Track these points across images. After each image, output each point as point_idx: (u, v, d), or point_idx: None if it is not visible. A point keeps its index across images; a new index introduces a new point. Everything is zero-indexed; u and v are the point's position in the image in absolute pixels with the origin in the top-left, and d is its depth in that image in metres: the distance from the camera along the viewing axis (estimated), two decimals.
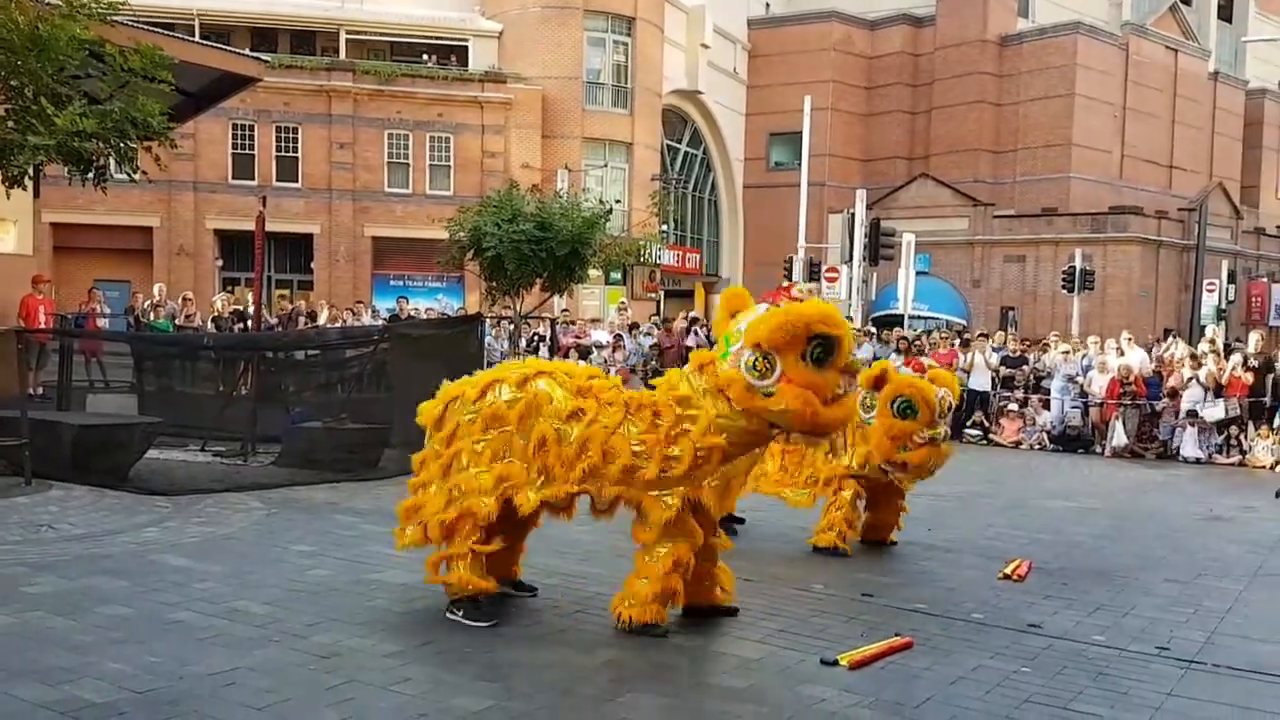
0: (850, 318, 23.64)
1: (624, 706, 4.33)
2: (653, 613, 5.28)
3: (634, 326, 20.95)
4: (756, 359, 4.87)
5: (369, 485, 10.07)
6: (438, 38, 32.00)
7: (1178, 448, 15.92)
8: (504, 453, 5.39)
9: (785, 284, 6.18)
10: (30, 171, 10.02)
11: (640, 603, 5.29)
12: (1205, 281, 35.50)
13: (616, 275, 30.58)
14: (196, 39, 21.67)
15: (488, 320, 15.76)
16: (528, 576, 6.14)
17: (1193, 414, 15.77)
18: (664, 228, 33.29)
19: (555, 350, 18.85)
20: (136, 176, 11.28)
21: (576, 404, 5.32)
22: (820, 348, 4.84)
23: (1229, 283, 36.03)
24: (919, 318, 29.06)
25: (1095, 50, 41.02)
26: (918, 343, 19.06)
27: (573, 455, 5.26)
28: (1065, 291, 31.38)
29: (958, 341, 19.37)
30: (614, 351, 19.36)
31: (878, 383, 7.12)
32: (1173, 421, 16.07)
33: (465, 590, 5.40)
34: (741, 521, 8.39)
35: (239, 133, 29.04)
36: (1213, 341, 18.66)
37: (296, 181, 29.34)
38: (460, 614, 5.44)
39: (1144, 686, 4.90)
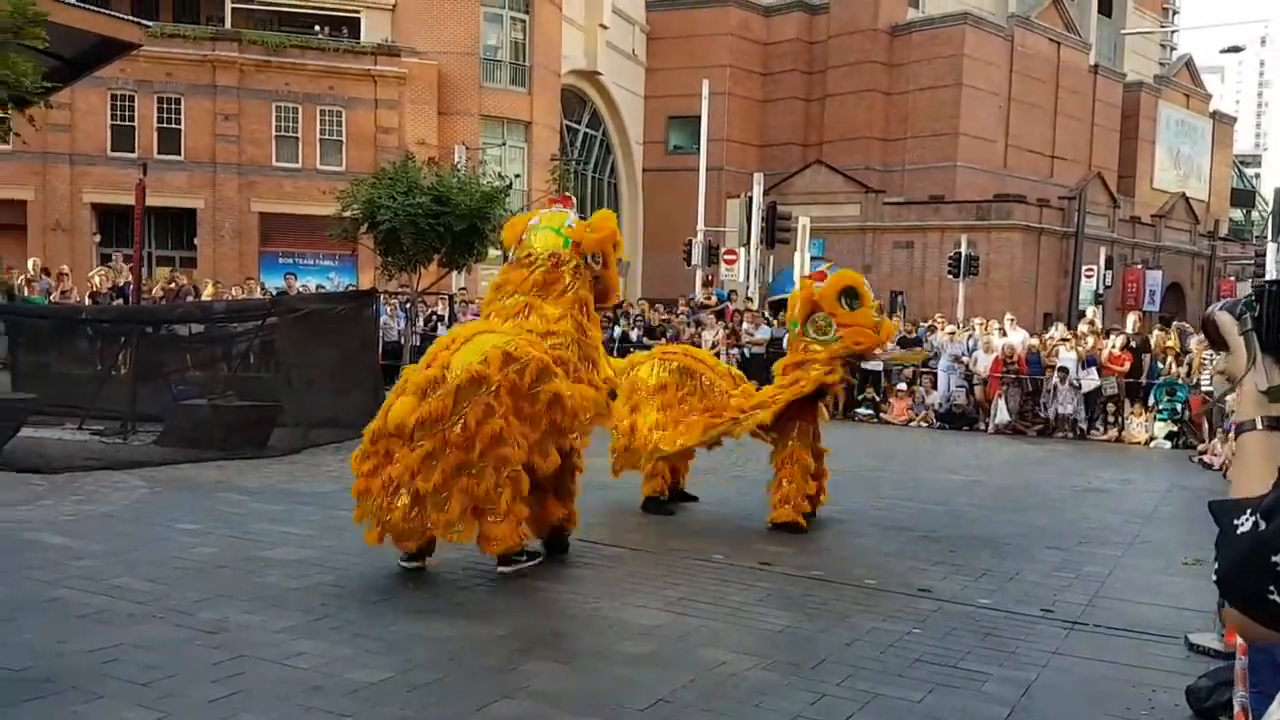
0: (750, 299, 23.91)
1: (525, 675, 4.29)
2: None
3: None
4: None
5: (257, 464, 9.77)
6: (328, 9, 31.15)
7: (1059, 415, 16.45)
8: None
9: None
10: None
11: None
12: (1084, 267, 36.82)
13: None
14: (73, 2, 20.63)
15: (382, 296, 15.42)
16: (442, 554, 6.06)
17: (1064, 369, 16.29)
18: None
19: None
20: (11, 142, 10.71)
21: None
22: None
23: (1106, 269, 37.45)
24: None
25: (982, 41, 42.14)
26: None
27: None
28: (951, 277, 32.22)
29: None
30: None
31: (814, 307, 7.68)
32: (1053, 387, 16.57)
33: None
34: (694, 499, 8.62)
35: (118, 103, 27.80)
36: (1092, 323, 19.41)
37: (179, 154, 28.25)
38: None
39: (1030, 646, 5.07)
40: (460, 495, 5.55)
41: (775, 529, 7.57)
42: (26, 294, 16.73)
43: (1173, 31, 58.43)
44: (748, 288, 25.65)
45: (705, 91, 29.87)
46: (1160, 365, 16.34)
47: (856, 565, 6.64)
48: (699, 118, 30.57)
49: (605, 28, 37.43)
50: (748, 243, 26.29)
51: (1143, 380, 16.38)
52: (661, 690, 4.18)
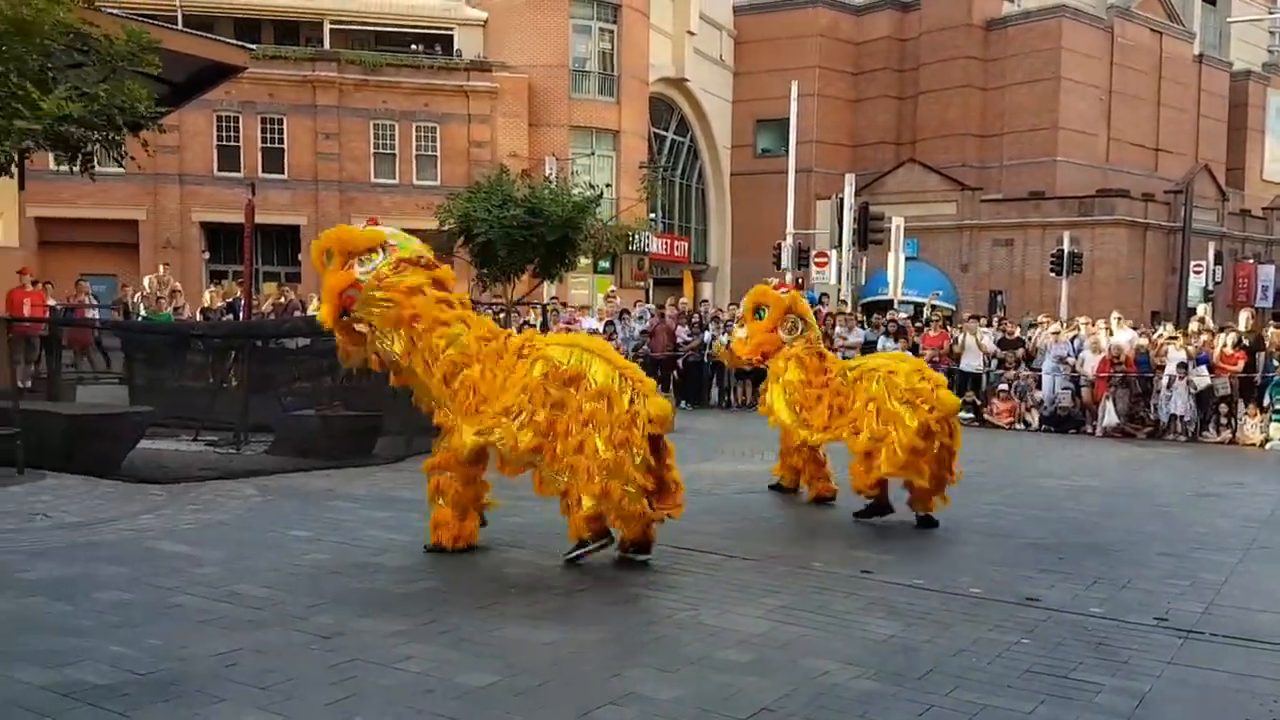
0: (844, 301, 23.67)
1: (629, 681, 4.33)
2: None
3: (624, 313, 20.94)
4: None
5: (364, 471, 10.04)
6: (422, 27, 31.87)
7: (1171, 415, 15.93)
8: None
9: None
10: (15, 158, 9.93)
11: None
12: (1192, 263, 35.61)
13: (605, 264, 30.54)
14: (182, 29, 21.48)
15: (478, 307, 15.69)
16: (530, 558, 6.14)
17: (1183, 365, 15.78)
18: (652, 215, 33.19)
19: None
20: (124, 165, 11.18)
21: None
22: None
23: (1216, 264, 36.15)
24: (908, 303, 28.92)
25: (1080, 33, 41.07)
26: (916, 321, 19.15)
27: None
28: (1053, 275, 31.46)
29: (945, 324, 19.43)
30: (608, 339, 19.35)
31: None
32: (1164, 386, 16.06)
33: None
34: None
35: (224, 124, 28.86)
36: (1202, 320, 18.76)
37: (282, 173, 29.18)
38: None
39: (1144, 656, 4.93)
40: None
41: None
42: (144, 310, 17.46)
43: None
44: (839, 291, 25.39)
45: (794, 93, 29.71)
46: (1276, 363, 15.70)
47: (961, 573, 6.53)
48: (788, 120, 30.42)
49: (693, 34, 37.52)
50: (839, 245, 26.03)
51: (1257, 379, 15.77)
52: (765, 699, 4.18)
